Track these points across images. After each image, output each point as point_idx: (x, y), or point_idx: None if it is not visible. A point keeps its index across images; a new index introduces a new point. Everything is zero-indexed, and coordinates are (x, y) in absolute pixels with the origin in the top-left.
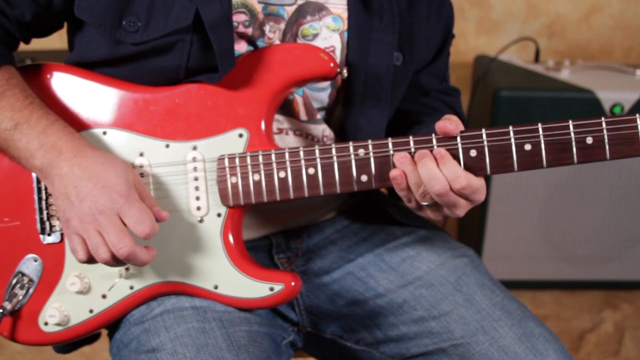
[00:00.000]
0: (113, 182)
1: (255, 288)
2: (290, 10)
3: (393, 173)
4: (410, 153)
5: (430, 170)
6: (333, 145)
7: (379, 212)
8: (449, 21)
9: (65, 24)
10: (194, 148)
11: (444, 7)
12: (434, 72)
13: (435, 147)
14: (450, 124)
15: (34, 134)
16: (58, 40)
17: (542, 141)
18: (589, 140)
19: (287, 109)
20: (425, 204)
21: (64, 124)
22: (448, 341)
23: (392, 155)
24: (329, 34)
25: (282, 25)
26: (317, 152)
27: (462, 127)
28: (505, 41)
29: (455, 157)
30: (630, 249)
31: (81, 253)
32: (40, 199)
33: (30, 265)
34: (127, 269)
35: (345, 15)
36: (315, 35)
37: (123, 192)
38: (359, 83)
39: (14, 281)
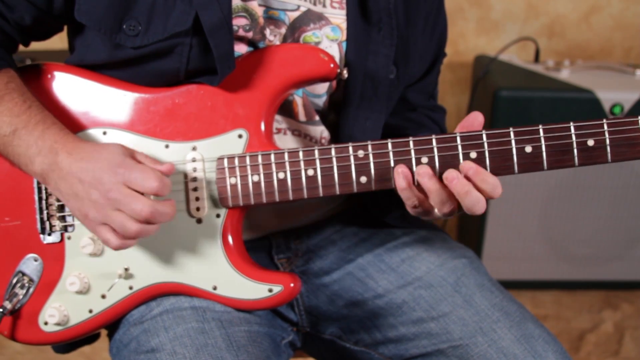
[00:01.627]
0: (108, 159)
1: (254, 289)
2: (292, 15)
3: (406, 195)
4: (432, 167)
5: (473, 197)
6: (332, 147)
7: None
8: (442, 38)
9: (66, 27)
10: (194, 148)
11: (438, 23)
12: (422, 89)
13: (435, 148)
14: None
15: (32, 140)
16: (58, 40)
17: (543, 143)
18: (590, 142)
19: (286, 109)
20: (441, 215)
21: (60, 127)
22: (447, 342)
23: (415, 161)
24: (329, 43)
25: (283, 30)
26: (316, 153)
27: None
28: (505, 41)
29: (455, 159)
30: (630, 249)
31: (113, 240)
32: (40, 198)
33: (30, 264)
34: (126, 269)
35: (344, 25)
36: (316, 44)
37: (120, 162)
38: (356, 94)
39: (15, 280)
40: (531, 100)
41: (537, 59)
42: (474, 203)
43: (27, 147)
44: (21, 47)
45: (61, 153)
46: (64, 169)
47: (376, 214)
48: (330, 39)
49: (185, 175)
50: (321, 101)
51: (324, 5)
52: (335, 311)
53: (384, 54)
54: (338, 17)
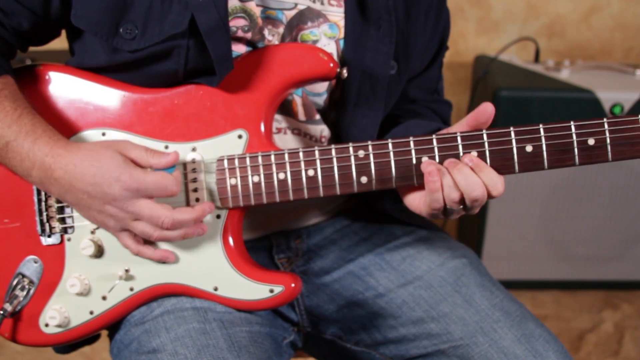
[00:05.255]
0: (110, 172)
1: (255, 290)
2: (289, 14)
3: (428, 168)
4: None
5: (469, 177)
6: (333, 147)
7: (378, 211)
8: (445, 32)
9: (65, 31)
10: (193, 149)
11: (441, 17)
12: (422, 83)
13: (436, 147)
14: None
15: (23, 152)
16: (57, 40)
17: (544, 142)
18: (591, 141)
19: (286, 108)
20: (451, 208)
21: (51, 135)
22: (447, 342)
23: (415, 161)
24: (327, 41)
25: (281, 30)
26: (316, 153)
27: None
28: (505, 41)
29: (456, 158)
30: (630, 249)
31: (133, 246)
32: (40, 200)
33: (30, 266)
34: (127, 271)
35: (342, 23)
36: (315, 42)
37: (128, 180)
38: (353, 91)
39: (15, 282)
40: (531, 100)
41: (537, 59)
42: (468, 184)
43: (21, 160)
44: None
45: (56, 170)
46: (65, 185)
47: (377, 203)
48: (328, 36)
49: (185, 176)
50: (322, 100)
51: (322, 3)
52: (336, 311)
53: (383, 51)
54: (336, 14)
